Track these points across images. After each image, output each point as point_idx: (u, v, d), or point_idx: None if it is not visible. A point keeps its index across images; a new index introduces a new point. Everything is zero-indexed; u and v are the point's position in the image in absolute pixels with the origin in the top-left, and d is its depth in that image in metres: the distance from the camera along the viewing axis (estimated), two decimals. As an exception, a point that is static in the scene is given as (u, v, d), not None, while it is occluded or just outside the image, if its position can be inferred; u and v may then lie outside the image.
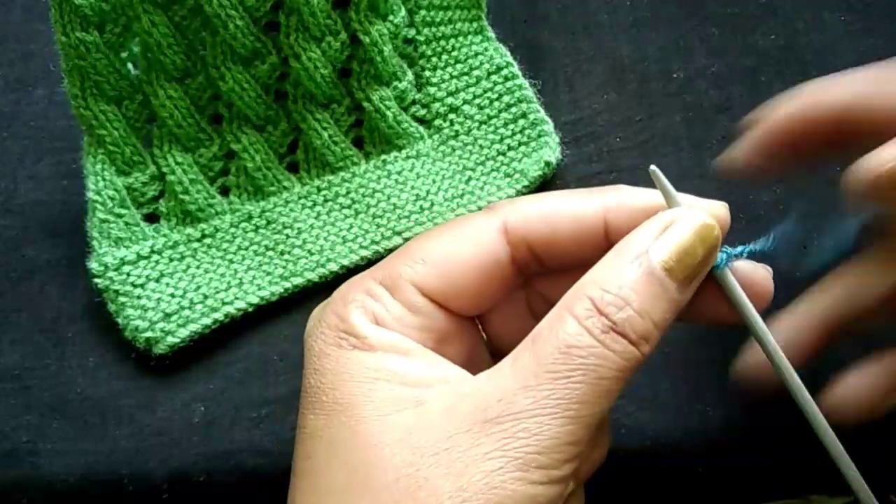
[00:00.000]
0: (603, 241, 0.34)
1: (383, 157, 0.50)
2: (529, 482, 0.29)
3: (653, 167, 0.32)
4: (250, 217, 0.48)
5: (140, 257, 0.47)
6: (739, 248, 0.34)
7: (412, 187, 0.50)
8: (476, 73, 0.52)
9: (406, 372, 0.32)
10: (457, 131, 0.51)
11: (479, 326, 0.38)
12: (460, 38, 0.52)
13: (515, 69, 0.52)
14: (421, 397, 0.31)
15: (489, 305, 0.36)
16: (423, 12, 0.51)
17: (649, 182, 0.35)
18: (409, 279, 0.34)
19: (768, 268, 0.34)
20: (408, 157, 0.50)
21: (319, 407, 0.32)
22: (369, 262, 0.48)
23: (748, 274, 0.34)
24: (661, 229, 0.32)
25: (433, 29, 0.51)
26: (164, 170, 0.48)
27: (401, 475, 0.29)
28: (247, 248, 0.48)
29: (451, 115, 0.51)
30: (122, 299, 0.46)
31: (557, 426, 0.29)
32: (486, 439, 0.29)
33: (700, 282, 0.32)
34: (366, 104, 0.49)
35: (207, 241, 0.48)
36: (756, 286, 0.33)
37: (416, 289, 0.34)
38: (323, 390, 0.32)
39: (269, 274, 0.47)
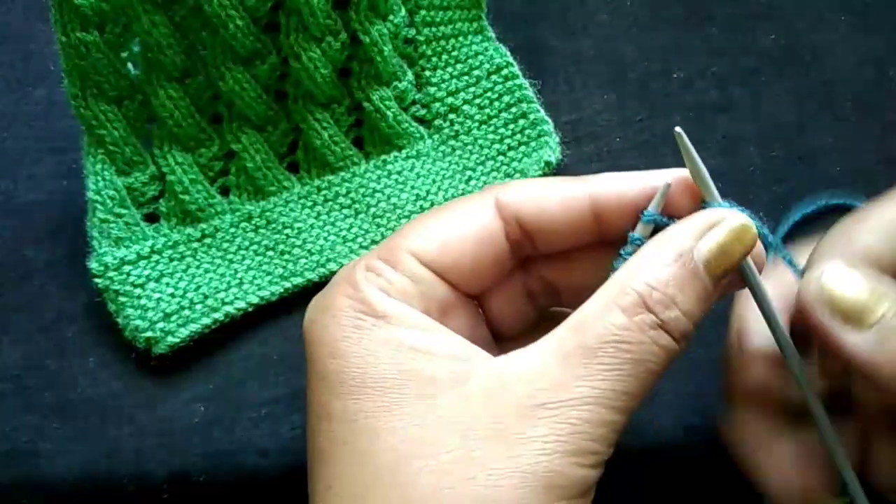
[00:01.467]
0: (591, 223, 0.35)
1: (383, 157, 0.50)
2: (582, 465, 0.30)
3: (678, 129, 0.33)
4: (250, 217, 0.48)
5: (140, 257, 0.47)
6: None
7: (412, 187, 0.50)
8: (476, 73, 0.52)
9: (433, 348, 0.32)
10: (457, 131, 0.51)
11: (480, 311, 0.38)
12: (460, 38, 0.52)
13: (515, 69, 0.52)
14: (457, 376, 0.31)
15: (486, 283, 0.37)
16: (423, 12, 0.51)
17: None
18: (409, 250, 0.34)
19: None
20: (408, 157, 0.50)
21: (347, 391, 0.32)
22: (369, 262, 0.47)
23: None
24: (704, 228, 0.32)
25: (433, 29, 0.51)
26: (164, 170, 0.48)
27: (454, 455, 0.30)
28: (247, 248, 0.48)
29: (452, 115, 0.51)
30: (122, 299, 0.46)
31: (608, 415, 0.30)
32: (540, 423, 0.30)
33: (728, 281, 0.33)
34: (366, 104, 0.49)
35: (207, 241, 0.48)
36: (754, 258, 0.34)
37: (416, 259, 0.34)
38: (348, 373, 0.32)
39: (269, 274, 0.47)
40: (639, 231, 0.34)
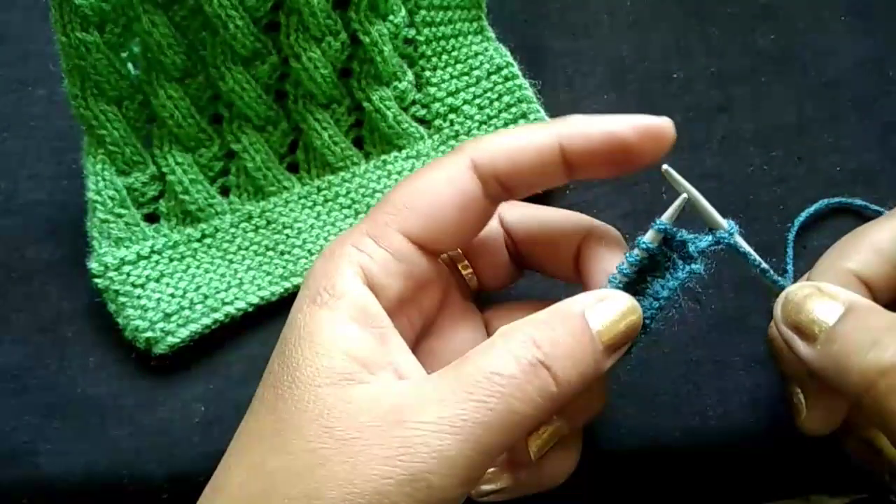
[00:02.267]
0: (560, 165, 0.36)
1: (383, 157, 0.50)
2: (415, 499, 0.30)
3: (665, 167, 0.34)
4: (250, 217, 0.48)
5: (140, 257, 0.47)
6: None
7: (412, 187, 0.49)
8: (476, 73, 0.52)
9: (353, 347, 0.33)
10: (457, 131, 0.51)
11: (460, 273, 0.41)
12: (460, 38, 0.52)
13: (515, 69, 0.52)
14: (350, 379, 0.32)
15: (469, 239, 0.38)
16: (423, 12, 0.51)
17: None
18: (396, 227, 0.36)
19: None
20: (408, 157, 0.50)
21: (282, 357, 0.34)
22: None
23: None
24: (598, 299, 0.34)
25: (433, 29, 0.51)
26: (165, 170, 0.48)
27: (311, 447, 0.31)
28: (247, 248, 0.48)
29: (452, 115, 0.51)
30: (122, 299, 0.46)
31: (457, 447, 0.30)
32: (389, 442, 0.30)
33: (618, 359, 0.34)
34: (366, 104, 0.49)
35: (207, 241, 0.48)
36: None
37: (402, 235, 0.35)
38: (286, 341, 0.34)
39: (269, 274, 0.47)
40: (648, 237, 0.34)
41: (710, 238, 0.35)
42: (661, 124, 0.35)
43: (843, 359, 0.33)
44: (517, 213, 0.40)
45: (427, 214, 0.36)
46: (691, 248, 0.34)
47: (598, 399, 0.39)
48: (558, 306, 0.33)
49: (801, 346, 0.34)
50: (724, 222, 0.35)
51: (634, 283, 0.35)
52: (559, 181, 0.37)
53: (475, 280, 0.41)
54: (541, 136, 0.36)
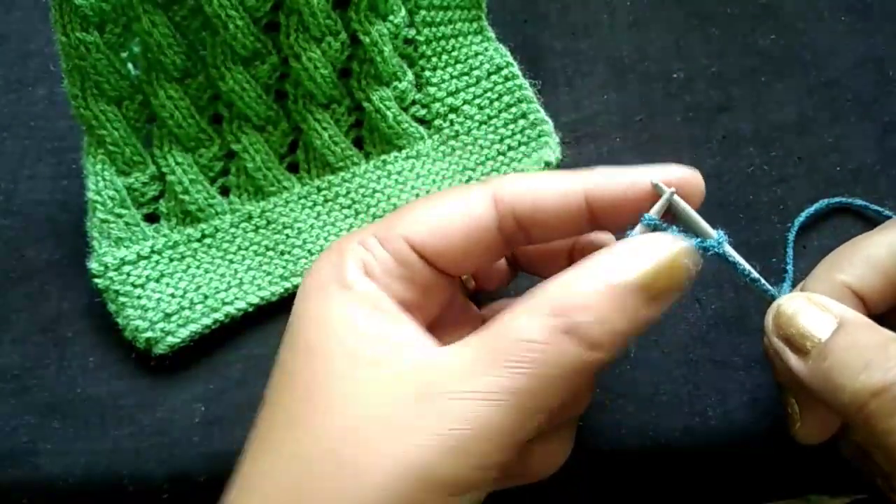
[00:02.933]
0: (584, 216, 0.35)
1: (383, 157, 0.50)
2: (459, 465, 0.30)
3: (655, 181, 0.34)
4: (250, 217, 0.48)
5: (140, 257, 0.47)
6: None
7: (412, 187, 0.49)
8: (476, 73, 0.52)
9: (372, 329, 0.33)
10: (457, 131, 0.51)
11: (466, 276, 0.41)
12: (460, 38, 0.52)
13: (515, 69, 0.52)
14: (378, 357, 0.32)
15: (473, 268, 0.39)
16: (423, 12, 0.51)
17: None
18: (401, 233, 0.36)
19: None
20: (408, 157, 0.50)
21: (292, 345, 0.34)
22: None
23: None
24: (635, 248, 0.33)
25: (433, 29, 0.51)
26: (165, 170, 0.48)
27: (347, 426, 0.31)
28: (247, 248, 0.48)
29: (452, 115, 0.51)
30: (122, 299, 0.46)
31: (496, 414, 0.30)
32: (429, 413, 0.30)
33: (668, 304, 0.33)
34: (366, 104, 0.49)
35: (207, 241, 0.48)
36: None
37: (406, 242, 0.36)
38: (299, 330, 0.34)
39: (269, 274, 0.47)
40: (637, 232, 0.34)
41: (697, 241, 0.34)
42: (692, 176, 0.35)
43: (834, 377, 0.32)
44: (516, 189, 0.37)
45: (433, 227, 0.36)
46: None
47: (582, 398, 0.38)
48: (591, 260, 0.33)
49: (793, 360, 0.34)
50: (714, 233, 0.35)
51: None
52: (580, 230, 0.36)
53: (472, 282, 0.42)
54: (567, 182, 0.36)
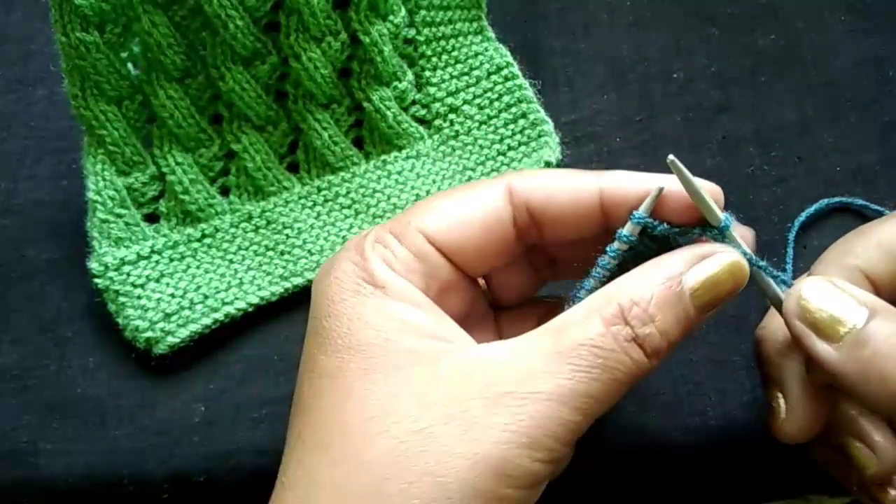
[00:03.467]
0: (597, 217, 0.36)
1: (383, 157, 0.50)
2: (534, 460, 0.31)
3: (671, 157, 0.33)
4: (250, 217, 0.48)
5: (140, 257, 0.47)
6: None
7: (412, 187, 0.49)
8: (476, 73, 0.52)
9: (420, 325, 0.33)
10: (457, 131, 0.51)
11: (481, 281, 0.40)
12: (460, 38, 0.52)
13: (515, 69, 0.52)
14: (435, 355, 0.33)
15: (490, 266, 0.38)
16: (423, 12, 0.51)
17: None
18: (418, 227, 0.35)
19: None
20: (408, 157, 0.50)
21: (334, 349, 0.33)
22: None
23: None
24: (698, 258, 0.33)
25: (433, 29, 0.51)
26: (165, 170, 0.48)
27: (417, 427, 0.31)
28: (247, 248, 0.48)
29: (451, 115, 0.51)
30: (122, 299, 0.46)
31: (568, 414, 0.31)
32: (502, 411, 0.31)
33: (714, 314, 0.34)
34: (366, 104, 0.49)
35: (207, 241, 0.48)
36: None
37: (423, 237, 0.35)
38: (338, 333, 0.33)
39: (269, 274, 0.47)
40: (627, 230, 0.34)
41: (697, 231, 0.34)
42: (711, 189, 0.35)
43: (878, 365, 0.31)
44: (531, 184, 0.37)
45: (450, 221, 0.36)
46: (682, 241, 0.34)
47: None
48: (655, 266, 0.33)
49: (820, 346, 0.33)
50: (721, 216, 0.34)
51: (616, 276, 0.35)
52: (594, 229, 0.36)
53: (489, 295, 0.41)
54: (583, 180, 0.36)
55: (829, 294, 0.33)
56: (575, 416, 0.31)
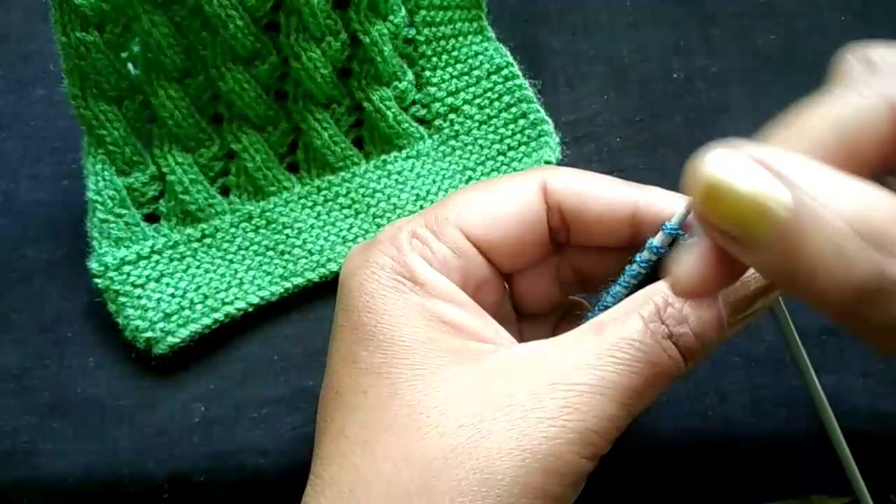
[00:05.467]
0: (627, 230, 0.36)
1: (383, 157, 0.50)
2: (581, 456, 0.31)
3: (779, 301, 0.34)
4: (250, 217, 0.48)
5: (140, 257, 0.47)
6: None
7: (412, 187, 0.50)
8: (476, 73, 0.52)
9: (463, 323, 0.33)
10: (457, 131, 0.51)
11: (506, 285, 0.39)
12: (460, 38, 0.52)
13: (515, 69, 0.52)
14: (479, 352, 0.33)
15: (523, 263, 0.38)
16: (423, 12, 0.51)
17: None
18: (455, 222, 0.35)
19: None
20: (408, 157, 0.50)
21: (376, 345, 0.33)
22: (369, 262, 0.48)
23: None
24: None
25: (433, 29, 0.51)
26: (165, 170, 0.48)
27: (464, 423, 0.31)
28: (247, 248, 0.48)
29: (452, 115, 0.51)
30: (122, 299, 0.46)
31: (612, 408, 0.31)
32: (549, 404, 0.31)
33: (749, 322, 0.34)
34: (366, 104, 0.49)
35: (207, 241, 0.48)
36: None
37: (461, 232, 0.35)
38: (380, 329, 0.33)
39: (269, 274, 0.47)
40: (658, 240, 0.35)
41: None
42: None
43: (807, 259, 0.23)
44: (566, 184, 0.36)
45: (488, 216, 0.36)
46: None
47: None
48: None
49: (738, 252, 0.25)
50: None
51: (643, 285, 0.35)
52: (619, 241, 0.36)
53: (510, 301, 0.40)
54: (619, 192, 0.36)
55: (732, 170, 0.25)
56: (618, 411, 0.31)
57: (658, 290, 0.33)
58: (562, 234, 0.37)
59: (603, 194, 0.36)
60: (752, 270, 0.32)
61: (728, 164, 0.26)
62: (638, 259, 0.35)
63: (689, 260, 0.28)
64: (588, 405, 0.31)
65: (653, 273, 0.35)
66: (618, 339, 0.32)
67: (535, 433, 0.30)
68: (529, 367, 0.32)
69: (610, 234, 0.36)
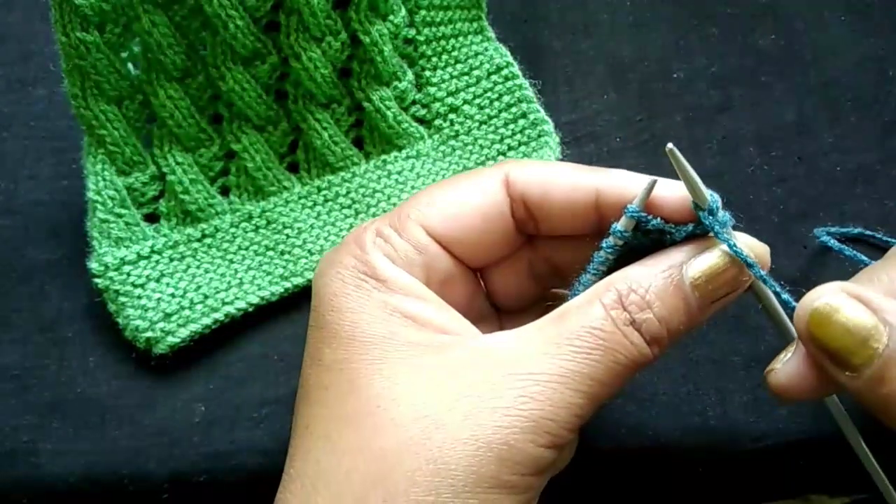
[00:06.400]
0: (593, 215, 0.36)
1: (383, 157, 0.50)
2: (537, 445, 0.31)
3: (670, 145, 0.34)
4: (250, 217, 0.48)
5: (140, 257, 0.47)
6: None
7: (412, 187, 0.49)
8: (476, 73, 0.52)
9: (424, 317, 0.34)
10: (457, 131, 0.51)
11: (481, 281, 0.40)
12: (460, 38, 0.52)
13: (515, 69, 0.52)
14: (441, 344, 0.33)
15: (490, 257, 0.38)
16: (423, 12, 0.51)
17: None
18: (417, 220, 0.36)
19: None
20: (408, 157, 0.50)
21: (338, 342, 0.34)
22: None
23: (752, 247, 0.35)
24: (700, 249, 0.34)
25: (433, 29, 0.51)
26: (165, 170, 0.48)
27: (420, 414, 0.31)
28: (247, 248, 0.48)
29: (452, 115, 0.51)
30: (122, 299, 0.46)
31: (571, 396, 0.31)
32: (506, 394, 0.31)
33: (721, 307, 0.34)
34: (366, 104, 0.49)
35: (207, 241, 0.48)
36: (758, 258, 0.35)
37: (422, 229, 0.36)
38: (342, 326, 0.34)
39: (269, 274, 0.47)
40: (621, 224, 0.35)
41: (690, 227, 0.34)
42: (761, 249, 0.35)
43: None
44: (528, 175, 0.37)
45: (449, 212, 0.36)
46: (678, 236, 0.34)
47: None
48: (658, 256, 0.34)
49: (834, 371, 0.31)
50: (708, 194, 0.34)
51: (614, 270, 0.35)
52: (589, 227, 0.36)
53: (489, 298, 0.41)
54: (580, 177, 0.36)
55: (841, 307, 0.31)
56: (578, 399, 0.31)
57: (621, 277, 0.33)
58: (530, 225, 0.37)
59: (564, 181, 0.36)
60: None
61: (838, 297, 0.31)
62: (604, 245, 0.35)
63: (790, 364, 0.33)
64: (544, 394, 0.31)
65: (626, 256, 0.35)
66: (578, 327, 0.32)
67: (489, 423, 0.31)
68: (490, 358, 0.32)
69: (576, 221, 0.36)
